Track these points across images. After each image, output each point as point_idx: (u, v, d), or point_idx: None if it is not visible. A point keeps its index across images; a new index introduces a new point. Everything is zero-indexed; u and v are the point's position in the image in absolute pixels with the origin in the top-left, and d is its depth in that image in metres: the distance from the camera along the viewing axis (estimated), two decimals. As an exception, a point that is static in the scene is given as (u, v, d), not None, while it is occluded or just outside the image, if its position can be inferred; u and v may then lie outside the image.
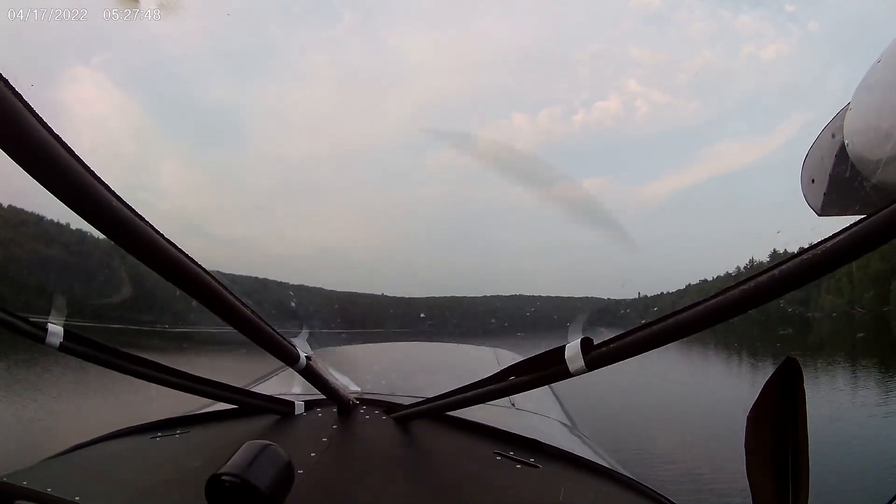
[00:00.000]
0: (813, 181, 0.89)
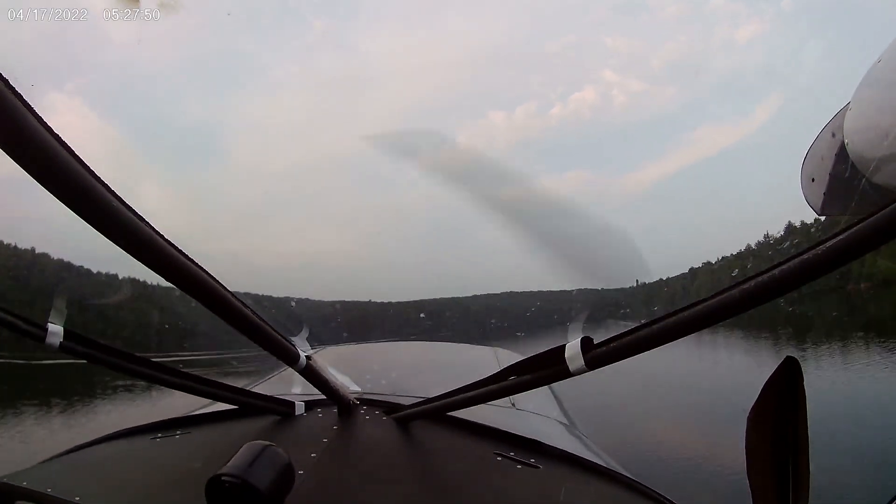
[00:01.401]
0: (813, 180, 0.89)
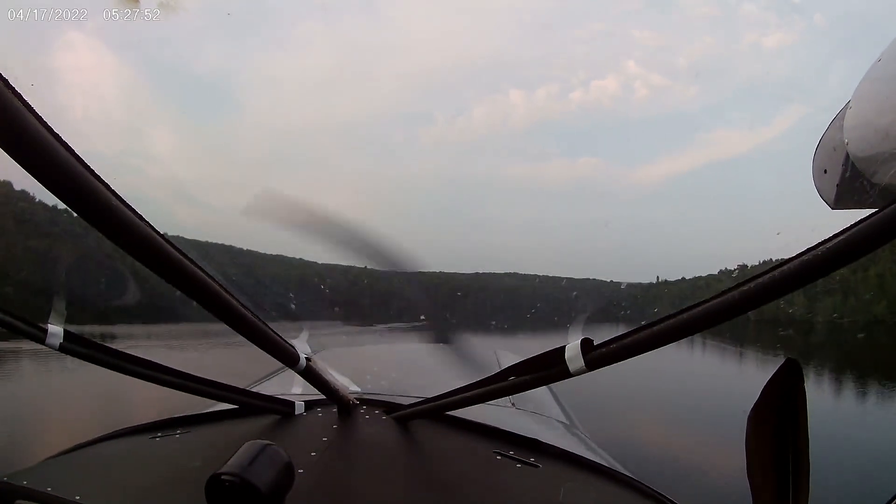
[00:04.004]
0: (825, 171, 0.87)
